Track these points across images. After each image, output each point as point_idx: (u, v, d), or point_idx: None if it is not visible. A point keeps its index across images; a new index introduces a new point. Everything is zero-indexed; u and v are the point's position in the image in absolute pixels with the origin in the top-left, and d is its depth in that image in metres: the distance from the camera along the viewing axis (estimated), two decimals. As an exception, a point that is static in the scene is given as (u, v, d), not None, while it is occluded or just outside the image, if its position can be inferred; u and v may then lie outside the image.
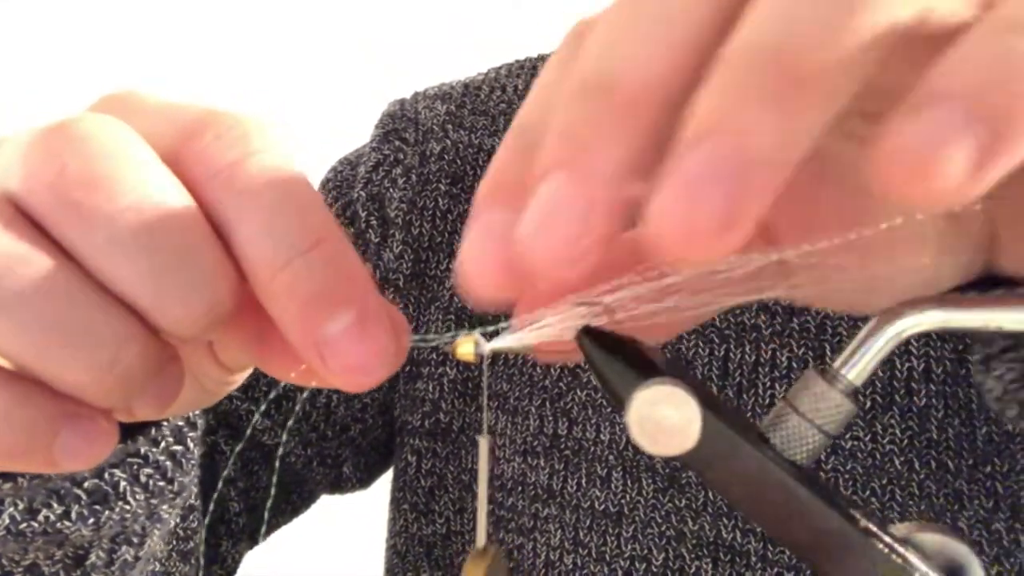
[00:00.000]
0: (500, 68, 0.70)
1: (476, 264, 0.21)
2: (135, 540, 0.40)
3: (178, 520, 0.45)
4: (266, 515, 0.62)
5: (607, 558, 0.54)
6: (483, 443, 0.26)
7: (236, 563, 0.60)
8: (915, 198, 0.17)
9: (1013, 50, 0.17)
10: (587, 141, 0.19)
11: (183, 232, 0.23)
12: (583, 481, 0.56)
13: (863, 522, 0.21)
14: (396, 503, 0.64)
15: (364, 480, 0.68)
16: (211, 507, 0.56)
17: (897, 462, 0.49)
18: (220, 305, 0.24)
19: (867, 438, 0.50)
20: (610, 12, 0.20)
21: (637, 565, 0.53)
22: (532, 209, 0.19)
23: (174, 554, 0.45)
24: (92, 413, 0.25)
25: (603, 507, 0.55)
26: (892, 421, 0.50)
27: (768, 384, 0.53)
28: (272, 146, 0.25)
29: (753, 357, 0.53)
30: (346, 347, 0.24)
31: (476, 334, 0.25)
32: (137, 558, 0.41)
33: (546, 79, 0.23)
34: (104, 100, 0.27)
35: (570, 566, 0.55)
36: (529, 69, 0.68)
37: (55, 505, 0.36)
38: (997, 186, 0.17)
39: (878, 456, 0.50)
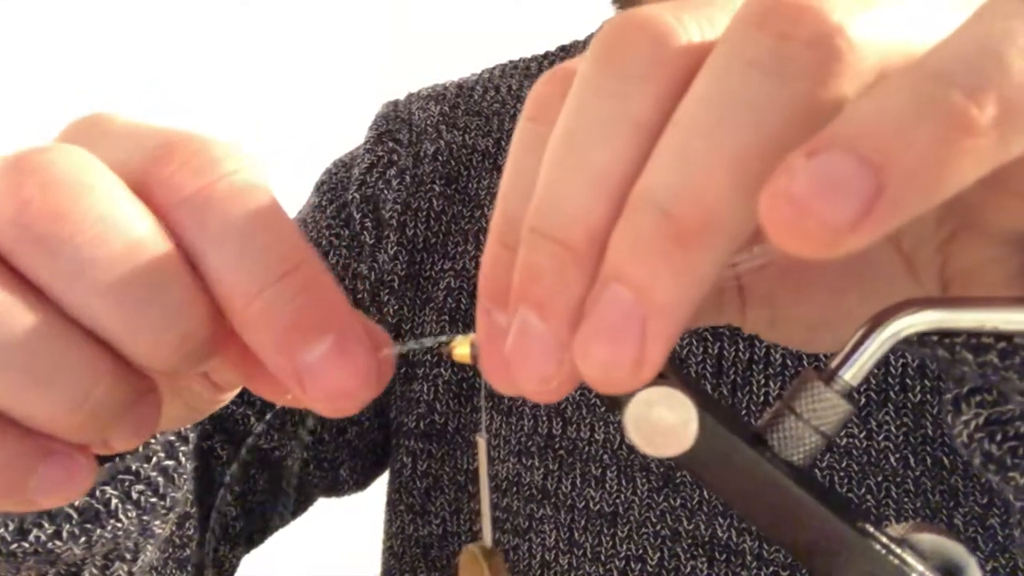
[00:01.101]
0: (494, 68, 0.70)
1: (489, 362, 0.23)
2: (128, 556, 0.40)
3: (174, 528, 0.44)
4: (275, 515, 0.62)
5: (602, 558, 0.54)
6: (481, 443, 0.26)
7: (234, 567, 0.59)
8: (792, 245, 0.17)
9: (924, 100, 0.17)
10: (544, 284, 0.21)
11: (152, 263, 0.23)
12: (578, 481, 0.56)
13: (860, 523, 0.21)
14: (392, 504, 0.64)
15: (361, 482, 0.68)
16: (212, 521, 0.56)
17: (892, 459, 0.49)
18: (193, 336, 0.23)
19: (862, 435, 0.50)
20: (556, 134, 0.21)
21: (632, 565, 0.53)
22: (511, 337, 0.21)
23: (170, 562, 0.45)
24: (67, 449, 0.24)
25: (598, 507, 0.55)
26: (887, 418, 0.50)
27: (762, 382, 0.53)
28: (242, 170, 0.24)
29: (747, 355, 0.54)
30: (325, 374, 0.23)
31: (472, 335, 0.25)
32: (131, 573, 0.40)
33: (517, 162, 0.23)
34: (71, 127, 0.26)
35: (565, 566, 0.55)
36: (522, 69, 0.68)
37: (46, 525, 0.36)
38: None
39: (873, 453, 0.50)
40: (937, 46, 0.18)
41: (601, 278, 0.20)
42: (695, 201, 0.19)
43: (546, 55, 0.69)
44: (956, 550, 0.21)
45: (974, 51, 0.17)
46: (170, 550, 0.44)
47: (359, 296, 0.65)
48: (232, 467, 0.59)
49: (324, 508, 0.70)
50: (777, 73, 0.19)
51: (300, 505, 0.66)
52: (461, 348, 0.26)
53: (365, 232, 0.64)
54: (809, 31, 0.19)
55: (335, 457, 0.64)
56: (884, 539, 0.21)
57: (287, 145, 1.69)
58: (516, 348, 0.21)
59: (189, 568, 0.46)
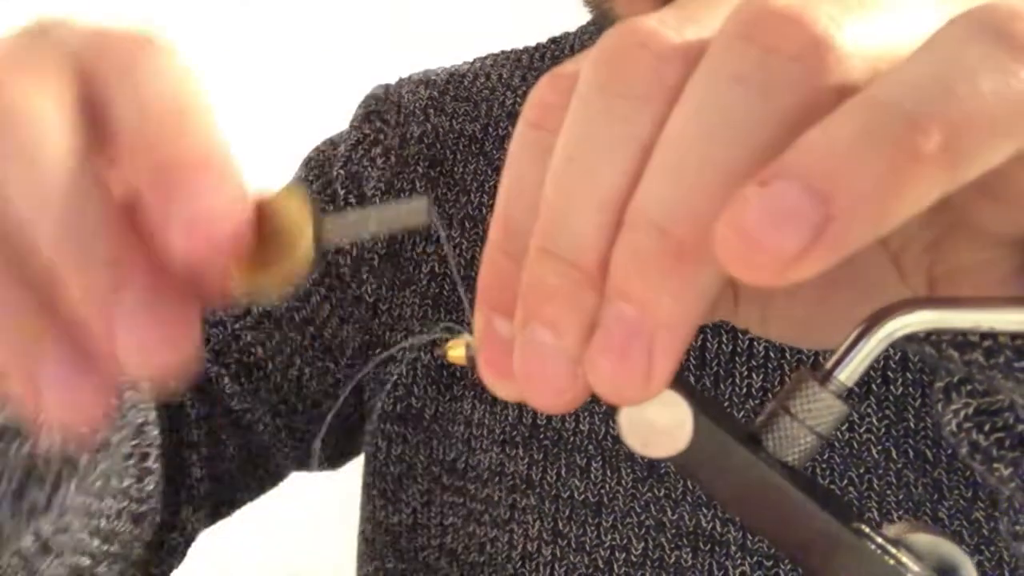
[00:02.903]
0: (485, 57, 0.71)
1: (491, 367, 0.22)
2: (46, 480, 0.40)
3: (132, 481, 0.44)
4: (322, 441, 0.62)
5: (586, 548, 0.54)
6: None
7: (195, 532, 0.59)
8: (743, 273, 0.17)
9: (870, 130, 0.17)
10: (557, 304, 0.21)
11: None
12: (562, 471, 0.56)
13: (856, 523, 0.21)
14: (366, 488, 0.64)
15: (332, 460, 0.68)
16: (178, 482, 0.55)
17: (874, 451, 0.49)
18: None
19: (844, 428, 0.50)
20: (560, 154, 0.21)
21: (616, 555, 0.54)
22: (522, 352, 0.21)
23: (124, 514, 0.44)
24: None
25: (582, 497, 0.55)
26: (869, 410, 0.50)
27: (745, 374, 0.53)
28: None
29: (730, 347, 0.54)
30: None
31: (467, 336, 0.25)
32: (49, 503, 0.40)
33: (518, 168, 0.23)
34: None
35: (549, 557, 0.55)
36: (514, 59, 0.69)
37: None
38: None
39: (855, 445, 0.50)
40: (886, 75, 0.18)
41: (606, 296, 0.20)
42: (689, 219, 0.19)
43: (537, 46, 0.69)
44: (952, 551, 0.21)
45: (922, 79, 0.18)
46: (126, 503, 0.44)
47: (340, 271, 0.65)
48: (202, 427, 0.59)
49: (318, 495, 0.70)
50: (763, 88, 0.19)
51: (270, 477, 0.66)
52: (455, 350, 0.26)
53: (349, 208, 0.65)
54: (795, 44, 0.18)
55: (307, 429, 0.64)
56: (879, 539, 0.21)
57: (283, 138, 1.68)
58: (529, 363, 0.21)
59: (145, 525, 0.46)
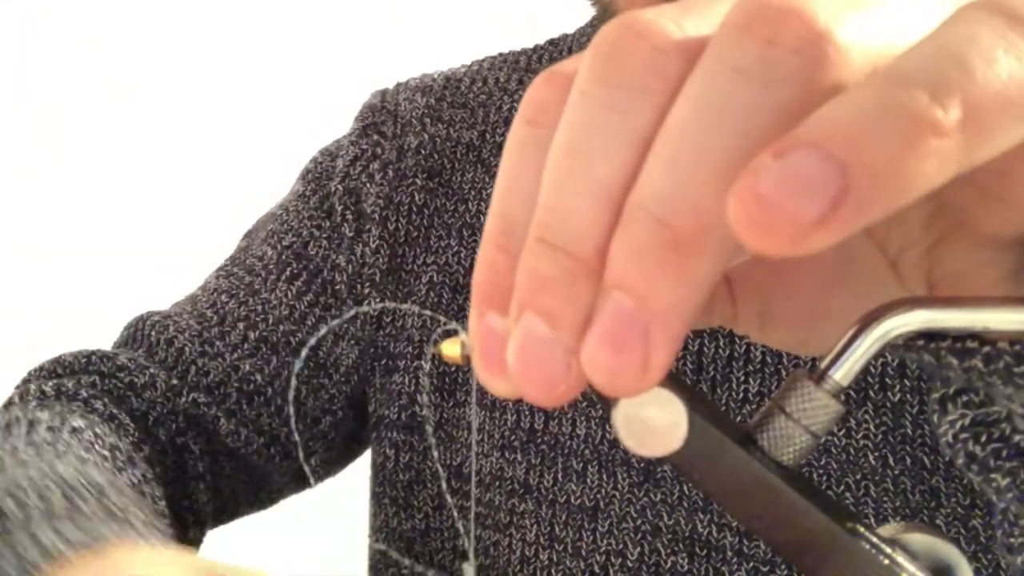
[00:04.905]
0: (483, 60, 0.71)
1: (486, 364, 0.22)
2: None
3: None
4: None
5: (583, 553, 0.54)
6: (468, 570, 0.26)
7: (200, 542, 0.62)
8: (759, 242, 0.17)
9: (889, 102, 0.17)
10: (554, 293, 0.21)
11: None
12: (559, 476, 0.56)
13: (851, 523, 0.21)
14: (377, 497, 0.65)
15: (326, 472, 0.69)
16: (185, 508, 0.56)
17: (871, 458, 0.49)
18: None
19: (840, 433, 0.50)
20: (558, 146, 0.21)
21: (613, 560, 0.54)
22: (516, 343, 0.21)
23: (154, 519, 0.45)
24: None
25: (579, 502, 0.55)
26: (866, 416, 0.50)
27: (742, 378, 0.53)
28: None
29: (727, 352, 0.54)
30: None
31: (463, 335, 0.25)
32: None
33: (514, 166, 0.23)
34: None
35: (546, 561, 0.55)
36: (511, 63, 0.68)
37: None
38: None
39: (852, 451, 0.50)
40: (904, 52, 0.18)
41: (603, 287, 0.20)
42: (687, 209, 0.19)
43: (535, 49, 0.69)
44: (947, 550, 0.21)
45: (939, 56, 0.18)
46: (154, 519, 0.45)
47: (337, 287, 0.65)
48: (204, 459, 0.62)
49: (316, 498, 0.70)
50: (763, 80, 0.19)
51: (270, 498, 0.68)
52: (450, 347, 0.25)
53: (345, 224, 0.65)
54: (795, 37, 0.19)
55: (308, 446, 0.65)
56: (875, 539, 0.21)
57: (279, 135, 1.68)
58: (522, 353, 0.21)
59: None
